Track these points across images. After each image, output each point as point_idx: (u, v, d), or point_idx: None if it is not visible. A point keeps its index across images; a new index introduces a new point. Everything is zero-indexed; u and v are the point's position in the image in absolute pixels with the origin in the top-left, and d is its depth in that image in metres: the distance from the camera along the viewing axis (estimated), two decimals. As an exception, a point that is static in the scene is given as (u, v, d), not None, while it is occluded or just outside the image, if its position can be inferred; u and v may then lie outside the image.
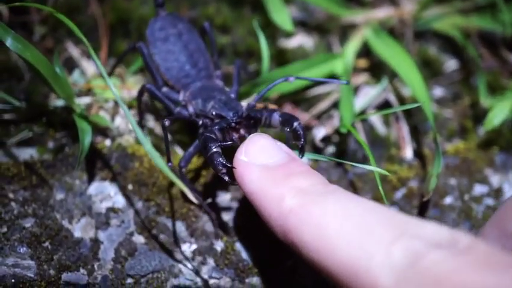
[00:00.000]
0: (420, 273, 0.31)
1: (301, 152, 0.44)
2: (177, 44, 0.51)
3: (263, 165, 0.41)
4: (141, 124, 0.54)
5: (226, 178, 0.42)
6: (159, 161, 0.39)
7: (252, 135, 0.43)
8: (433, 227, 0.33)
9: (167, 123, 0.44)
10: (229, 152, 0.43)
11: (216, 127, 0.44)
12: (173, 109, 0.49)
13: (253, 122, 0.45)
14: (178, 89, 0.50)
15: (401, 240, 0.33)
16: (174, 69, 0.50)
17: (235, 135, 0.45)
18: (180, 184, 0.39)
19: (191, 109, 0.48)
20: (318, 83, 0.59)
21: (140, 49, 0.50)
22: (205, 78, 0.50)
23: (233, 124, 0.44)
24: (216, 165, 0.42)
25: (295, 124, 0.44)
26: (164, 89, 0.50)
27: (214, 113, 0.46)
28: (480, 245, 0.32)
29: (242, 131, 0.45)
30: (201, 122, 0.47)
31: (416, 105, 0.49)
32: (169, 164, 0.46)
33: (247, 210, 0.50)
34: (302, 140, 0.44)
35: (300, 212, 0.37)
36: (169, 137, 0.53)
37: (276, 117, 0.45)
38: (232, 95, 0.50)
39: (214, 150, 0.42)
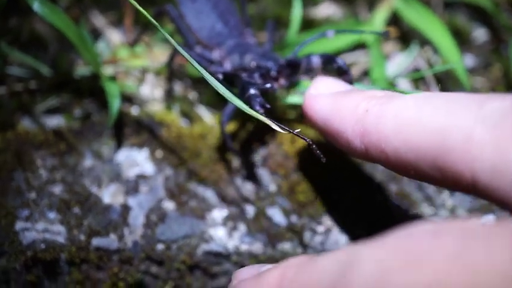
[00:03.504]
0: None
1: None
2: (207, 4, 0.50)
3: (333, 92, 0.41)
4: (171, 90, 0.54)
5: (264, 117, 0.39)
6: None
7: (317, 77, 0.44)
8: None
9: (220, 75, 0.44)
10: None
11: (256, 74, 0.44)
12: (208, 67, 0.49)
13: (293, 70, 0.44)
14: (211, 48, 0.50)
15: (491, 100, 0.31)
16: (206, 28, 0.50)
17: (276, 85, 0.44)
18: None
19: (228, 65, 0.48)
20: (346, 52, 0.58)
21: (169, 12, 0.50)
22: (237, 36, 0.50)
23: (274, 73, 0.43)
24: (253, 106, 0.40)
25: (340, 61, 0.44)
26: (198, 49, 0.50)
27: (254, 64, 0.45)
28: None
29: (282, 81, 0.44)
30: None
31: (451, 65, 0.48)
32: None
33: (281, 175, 0.49)
34: (348, 73, 0.44)
35: (377, 109, 0.36)
36: (196, 96, 0.52)
37: (315, 59, 0.44)
38: (268, 48, 0.49)
39: (252, 92, 0.41)
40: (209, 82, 0.38)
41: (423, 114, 0.33)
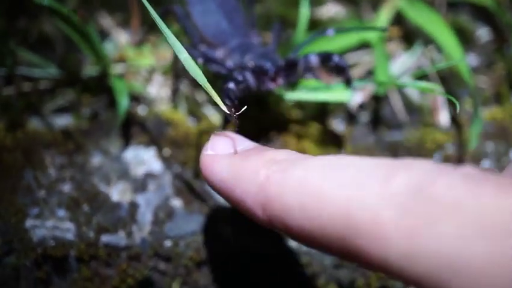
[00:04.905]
0: (429, 201, 0.26)
1: (349, 83, 0.45)
2: (213, 3, 0.51)
3: (232, 152, 0.36)
4: (177, 90, 0.54)
5: (227, 112, 0.37)
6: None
7: (214, 133, 0.39)
8: (430, 161, 0.28)
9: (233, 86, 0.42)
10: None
11: (248, 72, 0.44)
12: (210, 66, 0.49)
13: (291, 69, 0.45)
14: (215, 46, 0.50)
15: (398, 174, 0.28)
16: (212, 26, 0.50)
17: (273, 85, 0.44)
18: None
19: (229, 64, 0.48)
20: (350, 51, 0.58)
21: (175, 11, 0.51)
22: (242, 35, 0.50)
23: (271, 73, 0.44)
24: (223, 97, 0.39)
25: (337, 59, 0.44)
26: (202, 48, 0.50)
27: (252, 63, 0.46)
28: (489, 173, 0.27)
29: (280, 80, 0.45)
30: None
31: (454, 62, 0.49)
32: None
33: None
34: (346, 71, 0.45)
35: (279, 176, 0.32)
36: (203, 95, 0.53)
37: (313, 58, 0.45)
38: (271, 49, 0.50)
39: (230, 87, 0.40)
40: (185, 66, 0.36)
41: (327, 187, 0.29)
